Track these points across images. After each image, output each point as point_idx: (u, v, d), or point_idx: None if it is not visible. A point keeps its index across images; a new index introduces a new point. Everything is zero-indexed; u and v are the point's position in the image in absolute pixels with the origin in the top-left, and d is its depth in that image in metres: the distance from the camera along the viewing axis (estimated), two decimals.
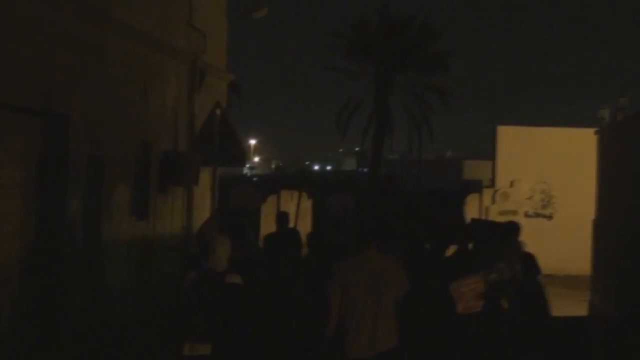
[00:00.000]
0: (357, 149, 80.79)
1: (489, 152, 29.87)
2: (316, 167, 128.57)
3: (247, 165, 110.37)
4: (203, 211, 16.85)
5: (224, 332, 9.04)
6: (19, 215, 11.13)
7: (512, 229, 11.95)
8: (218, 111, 15.38)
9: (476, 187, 29.96)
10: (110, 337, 12.87)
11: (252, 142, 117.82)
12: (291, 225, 17.19)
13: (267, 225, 22.84)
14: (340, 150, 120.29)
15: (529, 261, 10.76)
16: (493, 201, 26.93)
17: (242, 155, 15.98)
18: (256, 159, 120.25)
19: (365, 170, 62.22)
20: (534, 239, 16.14)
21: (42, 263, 11.52)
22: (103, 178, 12.91)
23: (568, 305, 17.63)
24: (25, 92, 10.69)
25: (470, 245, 11.47)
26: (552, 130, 27.24)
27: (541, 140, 26.70)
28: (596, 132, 21.52)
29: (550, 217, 26.49)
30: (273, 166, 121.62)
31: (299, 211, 23.50)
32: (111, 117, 12.96)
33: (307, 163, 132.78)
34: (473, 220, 14.81)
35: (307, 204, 27.58)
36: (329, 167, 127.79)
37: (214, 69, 17.54)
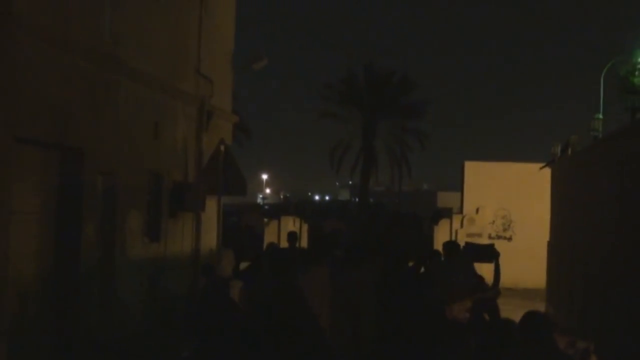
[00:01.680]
0: (350, 182, 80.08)
1: (459, 184, 29.51)
2: (317, 197, 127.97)
3: (260, 196, 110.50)
4: (210, 234, 16.00)
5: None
6: (38, 238, 10.20)
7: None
8: (222, 147, 14.66)
9: (447, 213, 29.67)
10: (124, 348, 11.87)
11: (264, 176, 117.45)
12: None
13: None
14: (337, 183, 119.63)
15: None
16: (461, 225, 26.61)
17: (243, 185, 15.05)
18: (267, 191, 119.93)
19: (357, 199, 61.67)
20: None
21: (59, 281, 10.56)
22: (117, 205, 11.95)
23: None
24: (43, 128, 9.78)
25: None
26: (511, 165, 26.94)
27: (502, 173, 26.43)
28: (542, 168, 21.05)
29: (509, 239, 26.05)
30: (281, 196, 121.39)
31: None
32: (124, 152, 12.00)
33: (309, 194, 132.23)
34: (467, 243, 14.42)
35: (304, 227, 27.18)
36: (327, 197, 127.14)
37: (220, 111, 16.63)
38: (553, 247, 19.83)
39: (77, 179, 10.67)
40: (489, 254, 12.17)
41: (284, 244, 22.45)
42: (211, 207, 15.74)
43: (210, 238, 16.03)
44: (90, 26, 10.80)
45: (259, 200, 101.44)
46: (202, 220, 15.39)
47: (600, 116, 18.14)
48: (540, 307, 18.88)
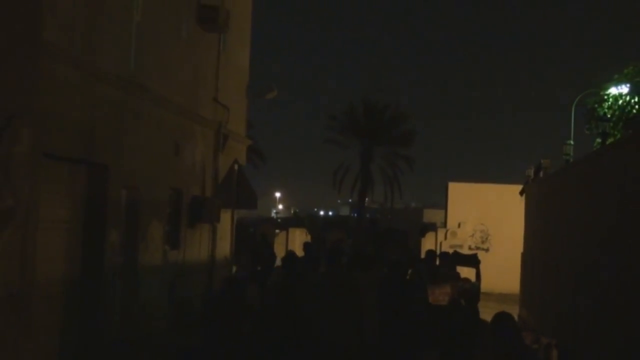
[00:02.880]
0: (349, 200, 79.61)
1: (443, 202, 29.18)
2: (321, 212, 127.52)
3: (274, 211, 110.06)
4: (224, 242, 15.39)
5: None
6: (66, 245, 9.45)
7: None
8: (236, 167, 14.13)
9: (432, 227, 29.36)
10: (144, 347, 11.15)
11: (277, 194, 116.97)
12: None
13: (279, 251, 21.55)
14: (338, 200, 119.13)
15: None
16: (445, 238, 26.27)
17: (254, 200, 14.42)
18: (280, 206, 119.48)
19: (355, 215, 61.31)
20: None
21: (85, 284, 9.81)
22: (140, 216, 11.22)
23: None
24: (71, 145, 9.06)
25: None
26: (489, 185, 26.70)
27: (481, 192, 26.22)
28: (521, 193, 20.53)
29: (487, 250, 25.64)
30: (292, 211, 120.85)
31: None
32: (146, 169, 11.31)
33: (315, 209, 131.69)
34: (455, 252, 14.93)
35: (308, 238, 26.78)
36: (330, 213, 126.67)
37: (235, 135, 15.99)
38: (525, 258, 19.27)
39: (102, 192, 9.96)
40: (473, 261, 13.06)
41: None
42: (225, 219, 15.14)
43: (224, 246, 15.42)
44: (117, 55, 10.15)
45: (273, 215, 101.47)
46: (218, 230, 14.72)
47: (572, 142, 17.62)
48: (514, 309, 18.34)
